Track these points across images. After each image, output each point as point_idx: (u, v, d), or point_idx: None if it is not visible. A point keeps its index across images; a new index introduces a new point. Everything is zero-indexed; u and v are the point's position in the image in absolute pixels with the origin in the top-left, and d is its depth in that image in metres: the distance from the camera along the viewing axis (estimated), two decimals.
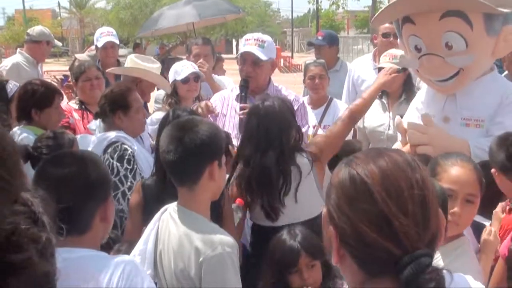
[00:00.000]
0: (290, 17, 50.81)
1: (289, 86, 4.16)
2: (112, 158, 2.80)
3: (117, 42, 4.98)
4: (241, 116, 3.15)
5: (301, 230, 2.33)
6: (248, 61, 3.31)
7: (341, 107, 3.95)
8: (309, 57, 8.57)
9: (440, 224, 1.08)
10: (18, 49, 5.53)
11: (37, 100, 3.13)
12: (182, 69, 3.79)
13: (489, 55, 2.74)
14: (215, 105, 3.42)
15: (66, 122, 3.67)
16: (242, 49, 3.37)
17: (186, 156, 1.92)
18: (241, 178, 2.60)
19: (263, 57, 3.26)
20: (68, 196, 1.49)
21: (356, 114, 2.97)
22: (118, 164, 2.78)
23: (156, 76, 4.03)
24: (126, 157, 2.82)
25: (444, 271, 1.02)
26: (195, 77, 3.79)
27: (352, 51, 23.60)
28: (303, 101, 3.55)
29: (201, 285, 1.86)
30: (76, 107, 3.87)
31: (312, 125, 3.85)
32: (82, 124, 3.75)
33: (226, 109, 3.39)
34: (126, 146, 2.87)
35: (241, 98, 3.29)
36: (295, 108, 3.36)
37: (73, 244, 1.51)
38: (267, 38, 3.37)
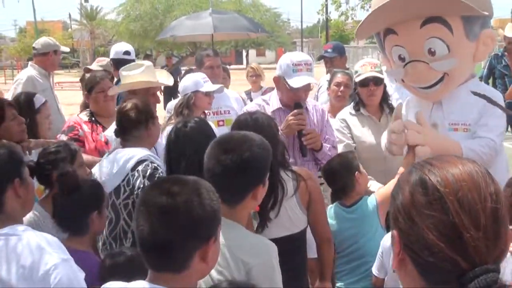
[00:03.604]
0: (300, 27, 50.96)
1: None
2: (144, 177, 2.73)
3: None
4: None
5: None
6: (302, 89, 3.23)
7: None
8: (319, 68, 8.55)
9: (508, 240, 1.04)
10: (30, 62, 5.56)
11: None
12: (206, 81, 3.78)
13: (470, 59, 2.82)
14: None
15: (76, 135, 3.63)
16: (298, 79, 3.18)
17: (233, 176, 1.93)
18: None
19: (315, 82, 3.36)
20: (169, 230, 1.39)
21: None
22: (148, 183, 2.66)
23: (142, 82, 3.69)
24: (156, 175, 2.74)
25: None
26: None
27: None
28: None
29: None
30: (86, 119, 3.81)
31: None
32: (91, 137, 3.70)
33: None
34: (155, 165, 2.81)
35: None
36: (325, 118, 3.42)
37: (166, 282, 1.41)
38: (310, 59, 3.31)
